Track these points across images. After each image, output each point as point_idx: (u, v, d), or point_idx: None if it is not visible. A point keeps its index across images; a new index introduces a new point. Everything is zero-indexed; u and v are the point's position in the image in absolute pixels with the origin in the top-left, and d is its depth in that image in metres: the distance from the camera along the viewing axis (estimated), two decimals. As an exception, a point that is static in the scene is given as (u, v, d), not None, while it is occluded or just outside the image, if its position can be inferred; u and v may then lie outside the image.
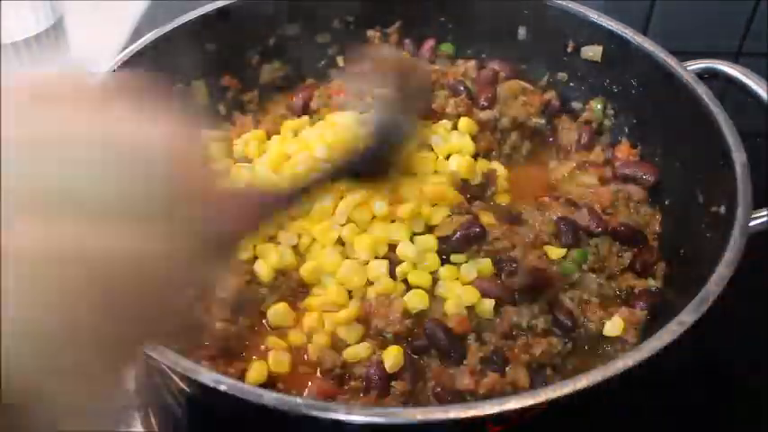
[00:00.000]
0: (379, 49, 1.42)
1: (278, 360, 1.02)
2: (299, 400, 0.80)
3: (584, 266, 1.13)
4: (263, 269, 1.10)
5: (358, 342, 1.04)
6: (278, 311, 1.07)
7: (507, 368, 1.01)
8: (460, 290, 1.08)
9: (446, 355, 1.02)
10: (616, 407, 1.07)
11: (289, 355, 1.04)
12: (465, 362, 1.01)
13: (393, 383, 0.99)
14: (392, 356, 1.00)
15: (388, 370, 0.99)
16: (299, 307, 1.10)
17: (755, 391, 1.14)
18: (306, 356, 1.04)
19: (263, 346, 1.06)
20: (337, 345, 1.05)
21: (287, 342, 1.06)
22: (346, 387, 1.01)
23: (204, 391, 0.86)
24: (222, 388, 0.80)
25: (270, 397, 0.79)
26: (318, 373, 1.03)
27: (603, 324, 1.07)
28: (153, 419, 1.10)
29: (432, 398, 0.99)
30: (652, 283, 1.14)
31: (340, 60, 1.51)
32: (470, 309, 1.08)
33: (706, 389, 1.14)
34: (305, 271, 1.11)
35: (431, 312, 1.07)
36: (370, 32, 1.50)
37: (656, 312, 1.09)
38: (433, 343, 1.03)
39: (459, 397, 0.98)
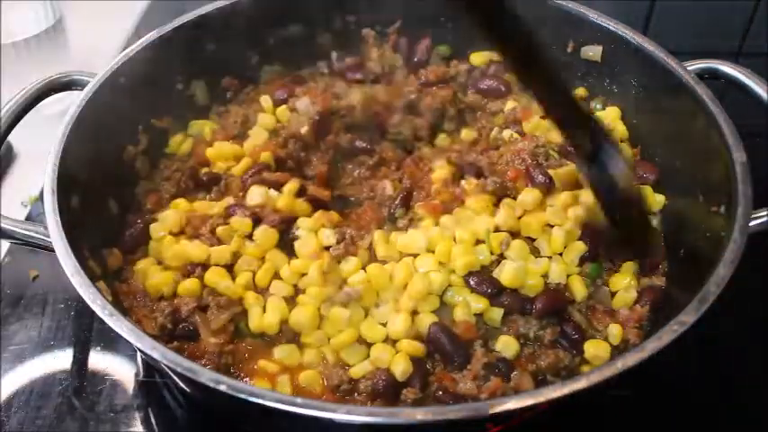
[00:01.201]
0: None
1: (282, 383, 1.02)
2: (298, 400, 0.80)
3: (599, 281, 1.13)
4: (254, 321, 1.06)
5: (362, 360, 1.03)
6: (285, 350, 1.04)
7: (513, 374, 1.01)
8: (470, 297, 1.07)
9: (449, 360, 1.02)
10: (616, 407, 1.07)
11: (288, 376, 1.02)
12: (468, 367, 1.01)
13: (404, 391, 0.98)
14: (401, 364, 0.99)
15: (399, 378, 0.99)
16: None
17: (755, 391, 1.14)
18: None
19: (255, 366, 1.04)
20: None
21: (281, 365, 1.03)
22: (356, 396, 1.00)
23: (204, 391, 0.86)
24: (222, 388, 0.80)
25: (270, 397, 0.79)
26: (326, 387, 1.02)
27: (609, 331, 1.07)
28: (153, 419, 1.10)
29: (433, 402, 0.99)
30: (656, 282, 1.14)
31: (334, 56, 1.52)
32: (478, 316, 1.07)
33: (706, 389, 1.14)
34: (294, 322, 1.06)
35: (439, 317, 1.06)
36: (365, 31, 1.50)
37: (658, 311, 1.09)
38: (436, 348, 1.03)
39: (461, 400, 0.98)
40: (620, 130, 1.33)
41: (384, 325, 1.05)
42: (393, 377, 0.99)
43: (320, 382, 1.01)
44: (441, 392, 0.99)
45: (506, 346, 1.04)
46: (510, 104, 1.37)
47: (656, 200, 1.23)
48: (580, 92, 1.40)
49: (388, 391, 0.98)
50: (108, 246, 1.15)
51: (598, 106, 1.39)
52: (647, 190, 1.23)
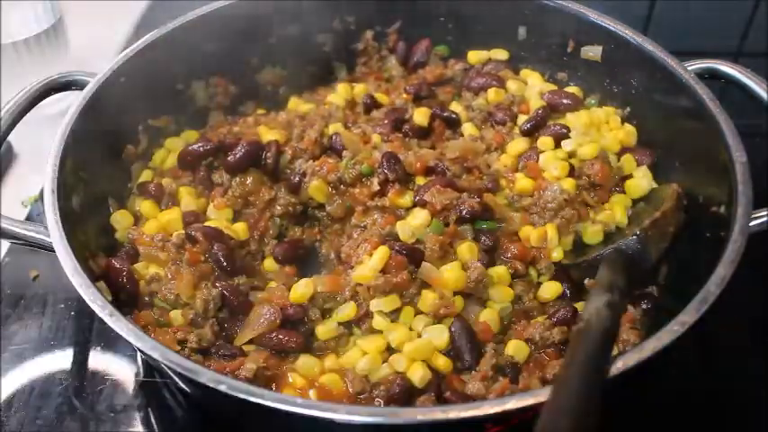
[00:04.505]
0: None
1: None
2: (299, 400, 0.80)
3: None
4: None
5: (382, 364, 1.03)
6: (306, 363, 1.04)
7: (521, 376, 1.02)
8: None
9: (460, 358, 1.02)
10: (616, 407, 1.07)
11: (315, 390, 1.02)
12: (477, 368, 1.02)
13: (421, 399, 0.98)
14: (420, 371, 0.99)
15: (417, 385, 0.99)
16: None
17: (755, 390, 1.14)
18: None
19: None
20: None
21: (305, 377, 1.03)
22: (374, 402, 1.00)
23: (204, 391, 0.85)
24: (222, 388, 0.80)
25: (269, 397, 0.79)
26: (350, 390, 1.02)
27: None
28: (153, 419, 1.10)
29: (442, 402, 0.99)
30: (652, 290, 1.14)
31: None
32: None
33: (706, 388, 1.14)
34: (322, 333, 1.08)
35: (465, 313, 1.07)
36: (366, 33, 1.51)
37: (657, 312, 1.09)
38: (453, 344, 1.03)
39: (470, 401, 0.97)
40: (614, 124, 1.33)
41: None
42: (409, 383, 0.99)
43: (342, 385, 1.01)
44: (448, 393, 0.99)
45: (517, 350, 1.04)
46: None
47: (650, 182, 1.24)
48: (575, 89, 1.41)
49: (404, 396, 0.98)
50: (107, 249, 1.15)
51: (593, 101, 1.39)
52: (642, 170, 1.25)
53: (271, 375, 1.02)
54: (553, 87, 1.41)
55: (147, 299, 1.10)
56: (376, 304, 1.04)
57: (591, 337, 0.82)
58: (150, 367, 1.15)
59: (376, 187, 1.17)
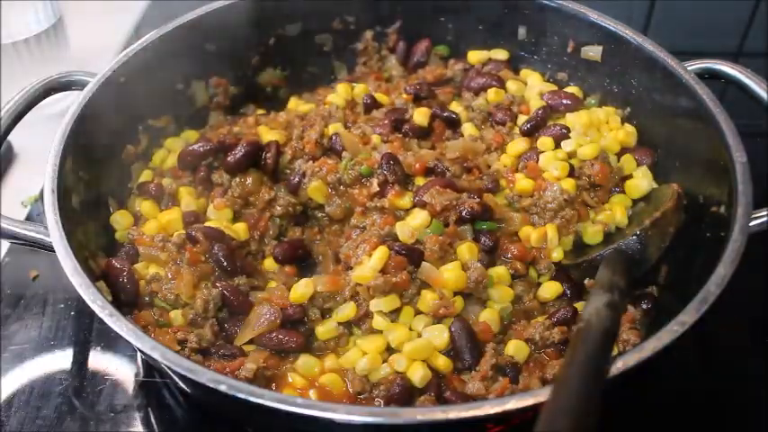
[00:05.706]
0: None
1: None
2: (299, 400, 0.80)
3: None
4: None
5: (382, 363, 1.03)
6: (306, 363, 1.04)
7: (521, 376, 1.02)
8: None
9: (460, 357, 1.03)
10: (616, 407, 1.07)
11: (315, 390, 1.03)
12: (477, 368, 1.02)
13: (421, 399, 0.98)
14: (419, 371, 0.99)
15: (417, 384, 0.99)
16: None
17: (755, 390, 1.14)
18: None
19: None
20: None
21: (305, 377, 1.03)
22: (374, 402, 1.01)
23: (204, 391, 0.85)
24: (222, 388, 0.80)
25: (269, 397, 0.79)
26: (350, 390, 1.02)
27: None
28: (153, 419, 1.10)
29: (442, 402, 0.99)
30: (648, 290, 1.14)
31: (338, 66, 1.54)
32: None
33: (706, 388, 1.14)
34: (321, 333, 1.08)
35: (465, 313, 1.07)
36: (366, 33, 1.51)
37: (657, 312, 1.09)
38: (453, 344, 1.03)
39: (470, 401, 0.97)
40: (614, 124, 1.33)
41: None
42: (409, 383, 0.99)
43: (342, 385, 1.01)
44: (448, 393, 0.99)
45: (517, 350, 1.04)
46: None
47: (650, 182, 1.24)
48: (575, 89, 1.41)
49: (404, 396, 0.98)
50: (107, 249, 1.15)
51: (593, 102, 1.39)
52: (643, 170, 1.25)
53: (271, 375, 1.02)
54: (553, 87, 1.40)
55: (147, 299, 1.10)
56: (376, 304, 1.04)
57: (591, 337, 0.81)
58: (150, 367, 1.15)
59: (375, 188, 1.18)
